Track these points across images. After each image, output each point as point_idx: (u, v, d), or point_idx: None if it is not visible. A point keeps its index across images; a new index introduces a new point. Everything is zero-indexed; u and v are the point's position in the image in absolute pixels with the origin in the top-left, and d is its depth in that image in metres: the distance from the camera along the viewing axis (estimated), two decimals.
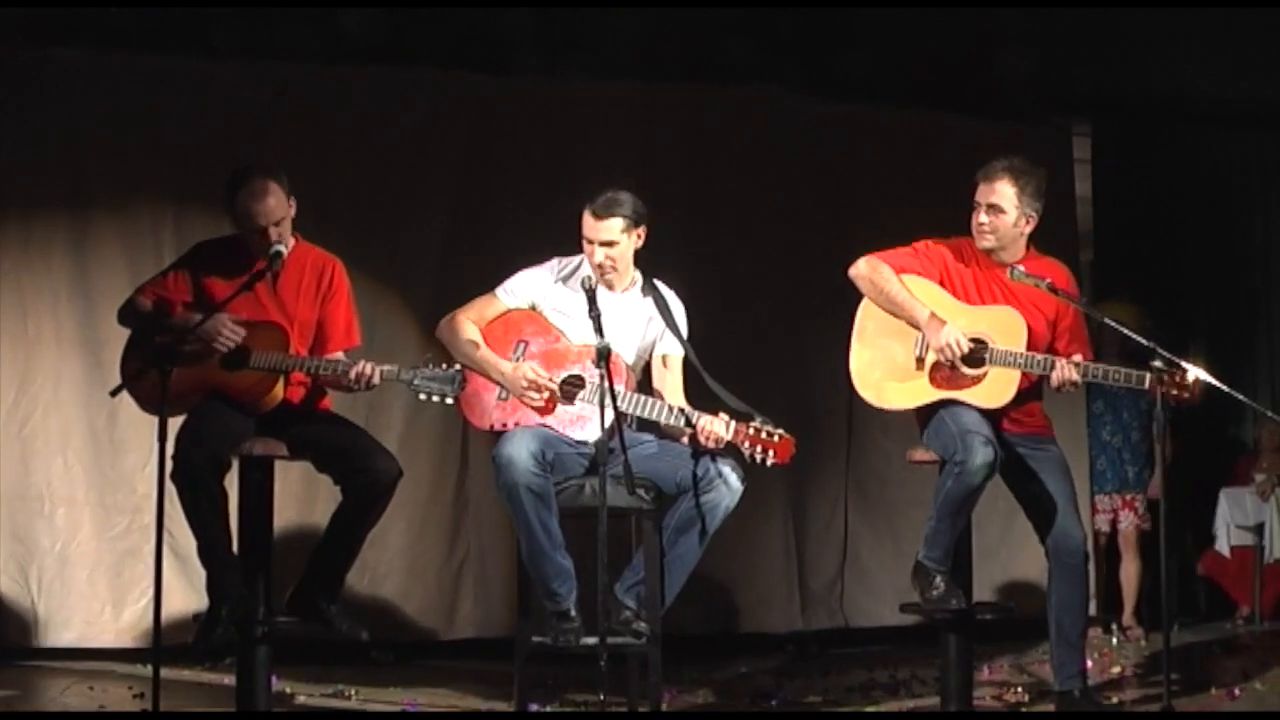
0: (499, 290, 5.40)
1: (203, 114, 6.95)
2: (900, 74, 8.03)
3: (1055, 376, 5.22)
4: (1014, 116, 8.16)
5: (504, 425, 5.20)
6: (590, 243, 5.29)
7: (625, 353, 5.29)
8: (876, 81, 7.98)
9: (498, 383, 5.25)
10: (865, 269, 5.48)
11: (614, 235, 5.27)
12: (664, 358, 5.43)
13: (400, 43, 7.39)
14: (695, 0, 7.56)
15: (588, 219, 5.29)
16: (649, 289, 5.42)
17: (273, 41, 7.27)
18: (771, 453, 5.13)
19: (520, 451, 4.99)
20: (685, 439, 5.22)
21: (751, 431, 5.13)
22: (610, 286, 5.35)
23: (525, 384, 5.18)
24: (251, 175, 5.25)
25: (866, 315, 5.49)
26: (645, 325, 5.39)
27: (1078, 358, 5.27)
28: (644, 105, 7.52)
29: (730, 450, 5.17)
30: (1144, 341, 5.19)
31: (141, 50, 7.03)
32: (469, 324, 5.34)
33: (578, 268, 5.36)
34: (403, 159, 7.21)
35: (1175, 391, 5.11)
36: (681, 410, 5.20)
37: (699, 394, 5.33)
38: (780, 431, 5.15)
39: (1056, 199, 8.15)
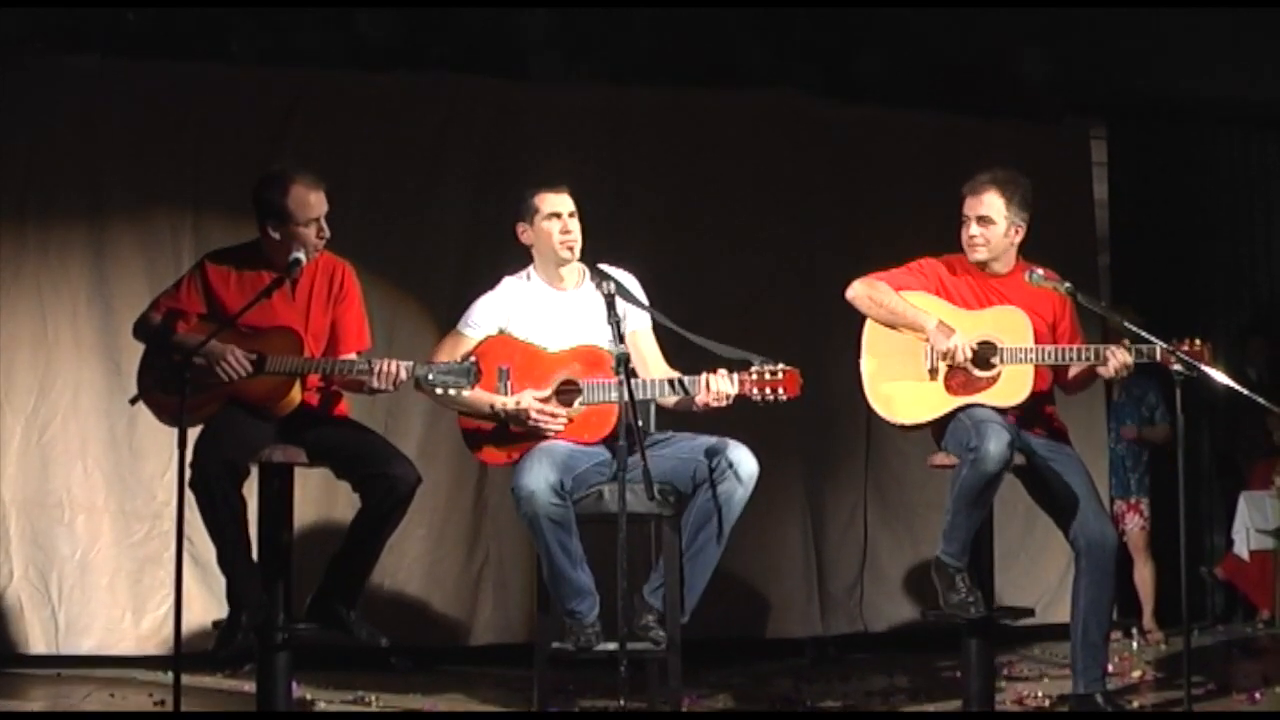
0: (461, 327, 5.40)
1: (220, 120, 6.95)
2: (916, 76, 8.01)
3: (1113, 363, 5.24)
4: (1030, 119, 8.13)
5: (521, 454, 5.18)
6: (558, 217, 5.30)
7: (610, 346, 5.19)
8: (892, 84, 7.96)
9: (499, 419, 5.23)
10: (862, 288, 5.48)
11: (573, 205, 5.32)
12: (634, 334, 5.41)
13: (417, 47, 7.39)
14: (711, 3, 7.56)
15: (548, 196, 5.32)
16: (598, 274, 5.37)
17: (290, 47, 7.27)
18: (780, 390, 5.12)
19: (539, 484, 4.99)
20: (697, 405, 5.18)
21: (754, 376, 5.12)
22: (568, 266, 5.36)
23: (534, 418, 5.17)
24: (305, 170, 5.29)
25: (872, 338, 5.49)
26: (611, 309, 5.30)
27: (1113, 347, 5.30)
28: (660, 108, 7.51)
29: (741, 406, 5.14)
30: (1160, 344, 5.19)
31: (159, 56, 7.02)
32: None
33: (530, 273, 5.39)
34: (420, 163, 7.20)
35: (1188, 350, 5.15)
36: (680, 381, 5.20)
37: (690, 357, 5.32)
38: (782, 366, 5.13)
39: (1074, 202, 8.24)
